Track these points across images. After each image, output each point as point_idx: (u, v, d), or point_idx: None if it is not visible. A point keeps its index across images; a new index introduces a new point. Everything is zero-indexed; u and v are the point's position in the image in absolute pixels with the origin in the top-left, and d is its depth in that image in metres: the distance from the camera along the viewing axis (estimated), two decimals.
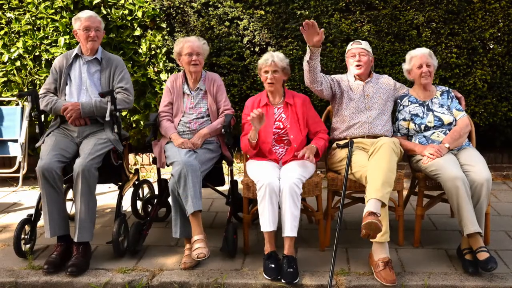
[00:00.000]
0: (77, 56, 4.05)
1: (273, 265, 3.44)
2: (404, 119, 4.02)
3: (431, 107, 4.00)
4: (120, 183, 4.13)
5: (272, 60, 3.85)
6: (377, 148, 3.55)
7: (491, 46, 5.74)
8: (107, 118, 3.75)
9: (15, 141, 5.73)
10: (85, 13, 4.02)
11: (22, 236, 3.76)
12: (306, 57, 3.76)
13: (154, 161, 4.08)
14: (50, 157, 3.64)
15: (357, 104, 4.03)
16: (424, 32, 5.64)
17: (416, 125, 3.96)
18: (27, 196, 5.46)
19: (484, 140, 5.97)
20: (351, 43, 4.17)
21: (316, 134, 3.97)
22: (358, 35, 5.61)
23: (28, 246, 3.81)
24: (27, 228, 3.82)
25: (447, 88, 4.13)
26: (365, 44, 4.11)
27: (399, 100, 4.15)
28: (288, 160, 3.82)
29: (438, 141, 3.86)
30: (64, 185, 3.81)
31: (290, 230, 3.46)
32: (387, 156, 3.50)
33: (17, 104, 5.90)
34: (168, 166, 3.89)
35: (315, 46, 3.65)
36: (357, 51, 4.03)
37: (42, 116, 3.99)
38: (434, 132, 3.92)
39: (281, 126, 3.90)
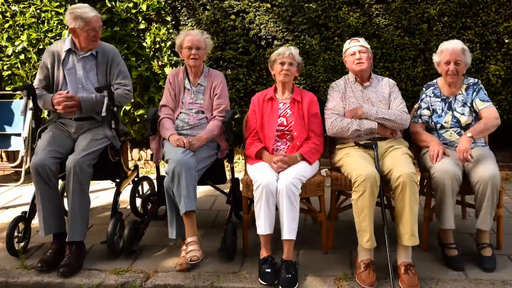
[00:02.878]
0: (69, 51, 3.86)
1: (269, 270, 3.30)
2: (428, 108, 3.90)
3: (452, 105, 3.85)
4: (118, 180, 4.03)
5: (290, 52, 3.80)
6: (399, 186, 3.35)
7: (506, 41, 5.55)
8: (104, 114, 3.60)
9: (19, 135, 5.66)
10: (89, 12, 3.71)
11: (16, 234, 3.68)
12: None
13: (152, 157, 3.98)
14: (45, 153, 3.55)
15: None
16: (435, 26, 5.47)
17: (432, 123, 3.86)
18: (29, 192, 5.38)
19: (497, 137, 5.78)
20: (347, 41, 3.98)
21: (309, 137, 3.79)
22: (367, 29, 5.47)
23: (21, 244, 3.74)
24: (21, 226, 3.74)
25: (476, 80, 3.91)
26: (362, 41, 3.94)
27: (424, 88, 4.02)
28: None
29: (450, 140, 3.76)
30: (60, 182, 3.71)
31: (288, 233, 3.33)
32: (413, 198, 3.33)
33: (21, 98, 5.83)
34: (166, 162, 3.78)
35: None
36: (356, 49, 3.86)
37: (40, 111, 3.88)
38: (447, 131, 3.81)
39: (285, 123, 3.77)
